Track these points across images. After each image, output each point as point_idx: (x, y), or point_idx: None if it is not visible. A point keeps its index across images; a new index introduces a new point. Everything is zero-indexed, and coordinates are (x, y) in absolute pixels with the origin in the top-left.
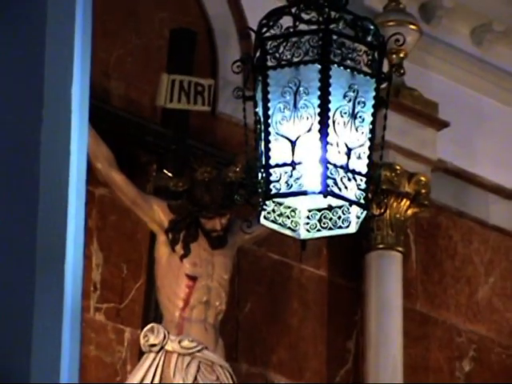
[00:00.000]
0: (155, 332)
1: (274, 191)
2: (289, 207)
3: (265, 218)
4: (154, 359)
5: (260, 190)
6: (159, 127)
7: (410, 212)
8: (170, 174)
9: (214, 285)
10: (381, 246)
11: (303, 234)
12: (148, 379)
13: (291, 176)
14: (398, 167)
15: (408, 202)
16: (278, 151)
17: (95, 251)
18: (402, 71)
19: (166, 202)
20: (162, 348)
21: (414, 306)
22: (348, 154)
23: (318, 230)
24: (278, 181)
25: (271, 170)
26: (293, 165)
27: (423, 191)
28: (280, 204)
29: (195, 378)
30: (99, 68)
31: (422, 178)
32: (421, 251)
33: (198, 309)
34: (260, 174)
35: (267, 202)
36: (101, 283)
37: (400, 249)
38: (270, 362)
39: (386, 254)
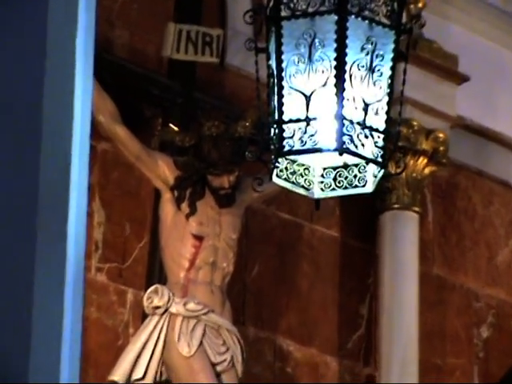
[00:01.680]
0: (159, 294)
1: (287, 148)
2: (302, 165)
3: (277, 176)
4: (158, 322)
5: (272, 147)
6: (165, 79)
7: (427, 171)
8: (176, 129)
9: (221, 245)
10: (396, 206)
11: (317, 193)
12: (151, 342)
13: (305, 132)
14: (415, 123)
15: (425, 160)
16: (292, 106)
17: (97, 209)
18: (422, 22)
19: (171, 158)
20: (166, 310)
21: (431, 269)
22: (365, 110)
23: (333, 189)
24: (291, 137)
25: (284, 126)
26: (307, 120)
27: (441, 149)
28: (293, 162)
29: (201, 342)
30: (102, 15)
31: (440, 135)
32: (438, 212)
33: (204, 270)
34: (272, 130)
35: (280, 160)
36: (103, 242)
37: (416, 209)
38: (279, 327)
39: (402, 215)
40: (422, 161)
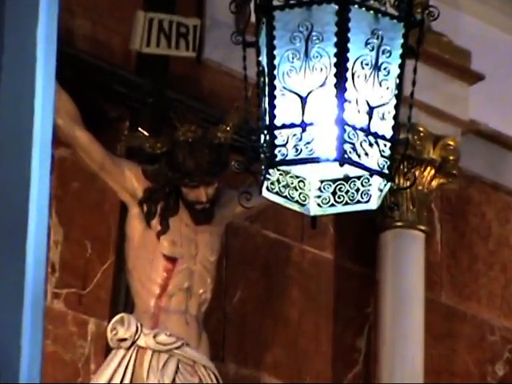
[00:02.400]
0: (125, 324)
1: (279, 157)
2: (297, 177)
3: (268, 189)
4: (124, 357)
5: (262, 156)
6: (133, 76)
7: (434, 183)
8: (145, 133)
9: (197, 268)
10: (399, 223)
11: (313, 210)
12: (116, 380)
13: (300, 139)
14: (421, 129)
15: (433, 171)
16: (285, 109)
17: (54, 225)
18: (435, 13)
19: (140, 167)
20: (133, 343)
21: (438, 297)
22: (370, 114)
23: (332, 205)
24: (284, 145)
25: (276, 132)
26: (303, 126)
27: (451, 158)
28: (286, 173)
29: (173, 380)
30: (61, 3)
31: (450, 143)
32: (447, 231)
33: (178, 297)
34: (263, 137)
35: (271, 171)
36: (60, 264)
37: (422, 227)
38: (264, 363)
39: (406, 234)
40: (430, 172)
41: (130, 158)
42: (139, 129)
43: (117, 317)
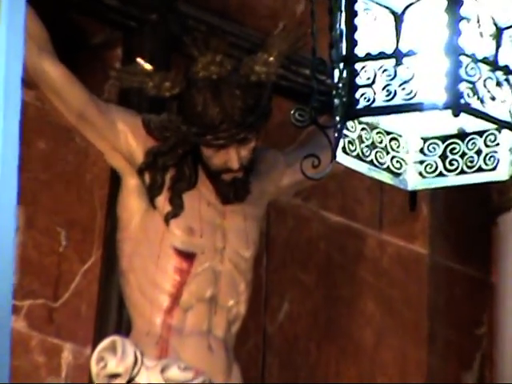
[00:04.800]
0: (119, 352)
1: (362, 104)
2: (388, 133)
3: (344, 150)
4: None
5: (336, 102)
6: None
7: None
8: (147, 66)
9: (225, 268)
10: None
11: (413, 182)
12: None
13: (394, 77)
14: None
15: None
16: (372, 32)
17: None
18: None
19: (139, 118)
20: (130, 381)
21: None
22: (497, 39)
23: (440, 175)
24: (370, 85)
25: (358, 66)
26: (397, 56)
27: None
28: (372, 127)
29: None
30: None
31: None
32: None
33: (197, 311)
34: (337, 73)
35: (349, 124)
36: (20, 263)
37: None
38: None
39: None
40: None
41: (124, 105)
42: (138, 60)
43: (105, 341)
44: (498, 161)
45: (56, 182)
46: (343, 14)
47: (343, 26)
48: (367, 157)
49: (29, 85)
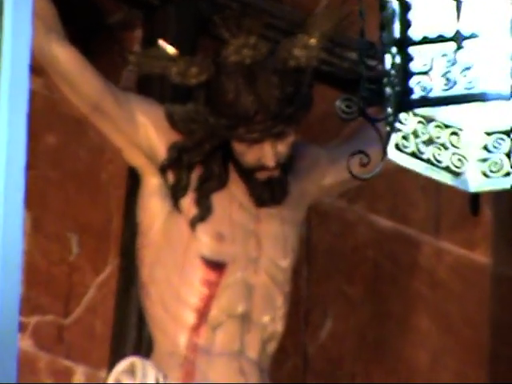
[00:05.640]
0: (138, 375)
1: (418, 94)
2: (447, 127)
3: (397, 147)
4: None
5: (388, 92)
6: None
7: None
8: (170, 49)
9: (259, 280)
10: None
11: (475, 182)
12: None
13: (454, 63)
14: None
15: None
16: (428, 12)
17: None
18: None
19: (162, 108)
20: None
21: None
22: None
23: (506, 174)
24: (426, 72)
25: (413, 50)
26: (458, 39)
27: None
28: (430, 120)
29: None
30: None
31: None
32: None
33: (227, 329)
34: (389, 58)
35: (403, 116)
36: (26, 273)
37: None
38: None
39: None
40: None
41: (144, 94)
42: (160, 42)
43: (123, 363)
44: None
45: (67, 181)
46: None
47: (396, 5)
48: (423, 154)
49: (36, 71)
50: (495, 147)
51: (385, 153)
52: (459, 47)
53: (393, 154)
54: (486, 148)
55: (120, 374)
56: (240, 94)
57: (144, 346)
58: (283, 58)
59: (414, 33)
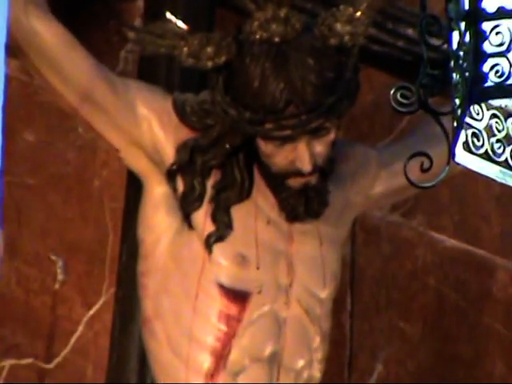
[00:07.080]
0: None
1: (493, 80)
2: None
3: (466, 147)
4: None
5: (457, 78)
6: None
7: None
8: (180, 25)
9: (292, 314)
10: None
11: None
12: None
13: None
14: None
15: None
16: None
17: None
18: None
19: (170, 98)
20: None
21: None
22: None
23: None
24: (503, 53)
25: (487, 26)
26: None
27: None
28: (507, 114)
29: None
30: None
31: None
32: None
33: (252, 375)
34: (457, 36)
35: (474, 109)
36: (1, 306)
37: None
38: None
39: None
40: None
41: (147, 80)
42: (167, 15)
43: None
44: None
45: (50, 189)
46: None
47: None
48: (499, 156)
49: (12, 51)
50: None
51: (451, 154)
52: None
53: (461, 156)
54: None
55: None
56: (267, 80)
57: None
58: (322, 35)
59: (488, 4)
